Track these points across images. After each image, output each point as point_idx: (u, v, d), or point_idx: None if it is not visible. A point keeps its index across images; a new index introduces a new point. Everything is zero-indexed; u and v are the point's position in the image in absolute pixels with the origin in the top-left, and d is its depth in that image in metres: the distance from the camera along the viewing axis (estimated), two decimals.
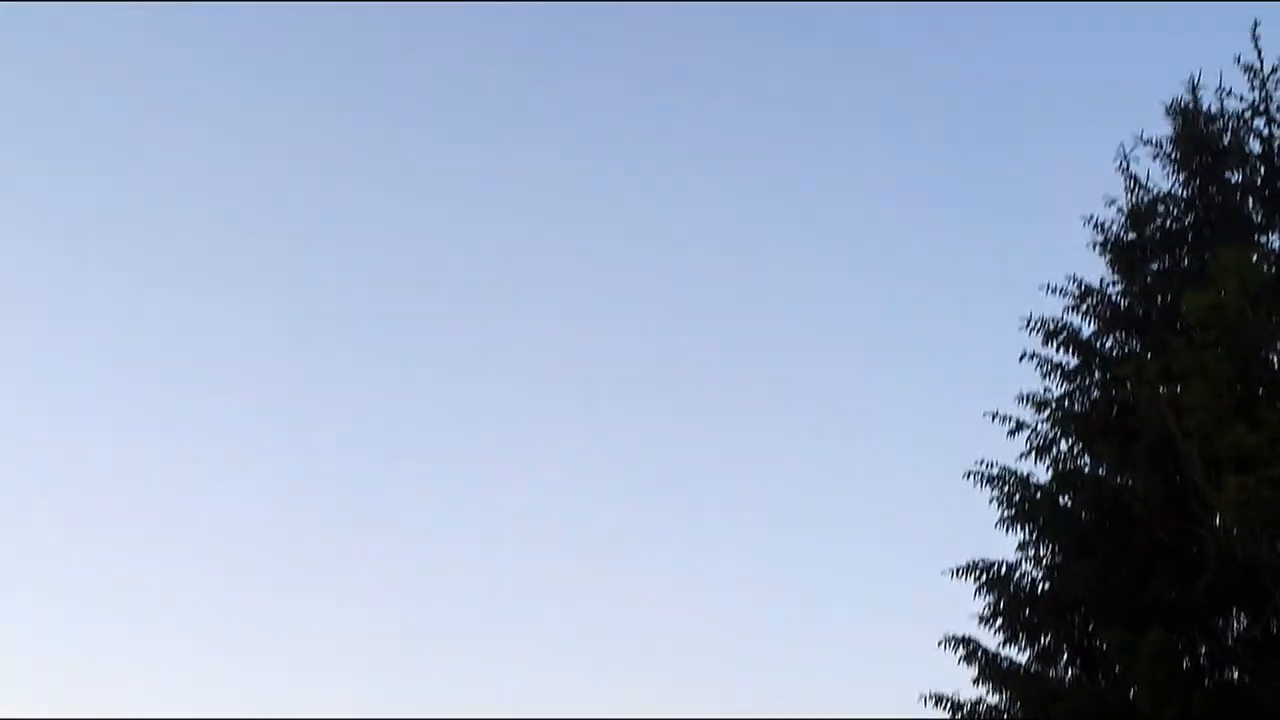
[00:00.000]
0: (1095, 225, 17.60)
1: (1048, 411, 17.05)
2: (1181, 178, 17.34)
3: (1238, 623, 15.35)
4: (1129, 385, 16.22)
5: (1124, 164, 17.63)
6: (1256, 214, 16.94)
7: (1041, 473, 16.96)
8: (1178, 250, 17.18)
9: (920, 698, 16.47)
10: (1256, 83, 17.04)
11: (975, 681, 16.44)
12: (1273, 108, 17.04)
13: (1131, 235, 17.38)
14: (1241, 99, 17.18)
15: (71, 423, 75.15)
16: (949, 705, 16.40)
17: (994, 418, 17.27)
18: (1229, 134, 17.18)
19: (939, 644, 16.67)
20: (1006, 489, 16.83)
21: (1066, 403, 17.08)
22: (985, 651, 16.48)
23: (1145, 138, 17.58)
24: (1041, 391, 17.19)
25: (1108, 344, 17.20)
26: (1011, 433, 17.17)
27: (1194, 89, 17.42)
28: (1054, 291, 17.51)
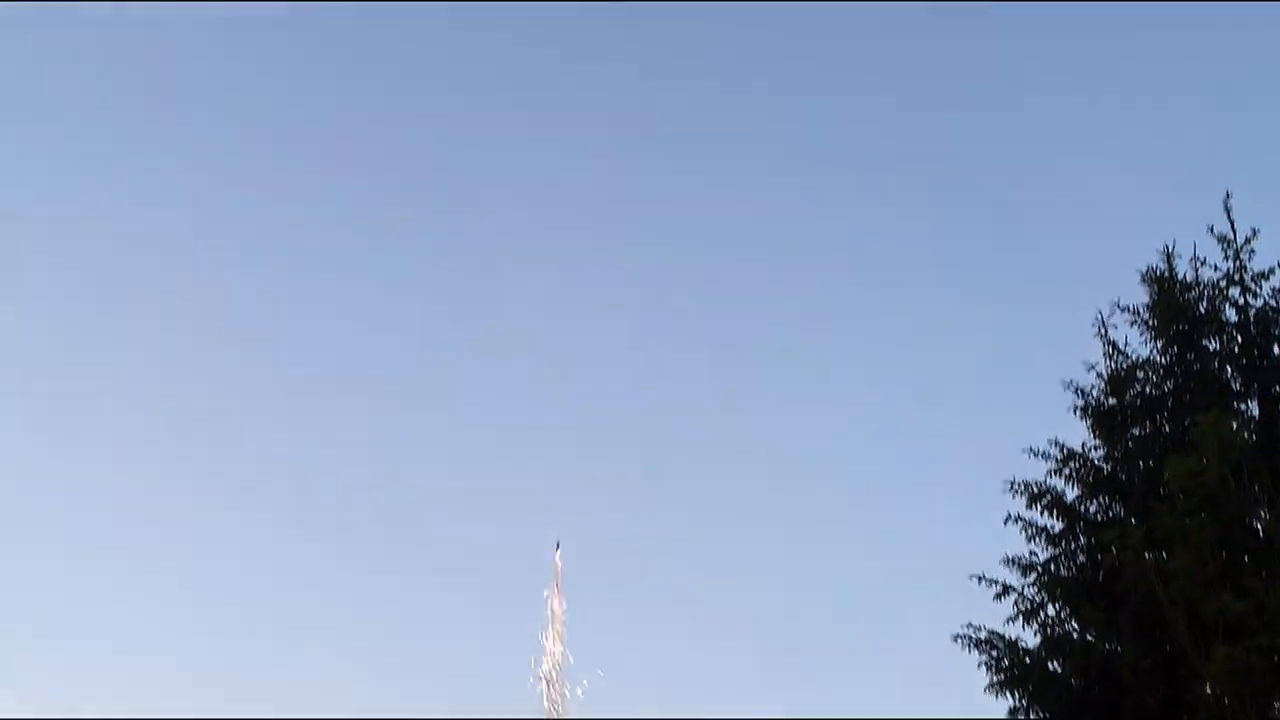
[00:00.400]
0: (1075, 390, 17.90)
1: (1034, 575, 17.19)
2: (1159, 345, 17.67)
3: None
4: (1114, 550, 16.35)
5: (1102, 330, 18.01)
6: (1235, 381, 17.23)
7: (1030, 637, 17.07)
8: (1158, 416, 17.45)
9: None
10: (1230, 253, 17.45)
11: None
12: (1247, 277, 17.41)
13: (1112, 401, 17.67)
14: (1216, 268, 17.58)
15: (72, 425, 75.06)
16: None
17: (980, 580, 17.40)
18: (1205, 302, 17.54)
19: None
20: (995, 654, 16.88)
21: (1053, 566, 17.22)
22: None
23: (1122, 304, 17.96)
24: (1027, 555, 17.37)
25: (1092, 508, 17.38)
26: (999, 596, 17.29)
27: (1169, 258, 17.81)
28: (1037, 455, 17.75)
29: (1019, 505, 17.49)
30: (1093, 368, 17.93)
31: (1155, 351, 17.73)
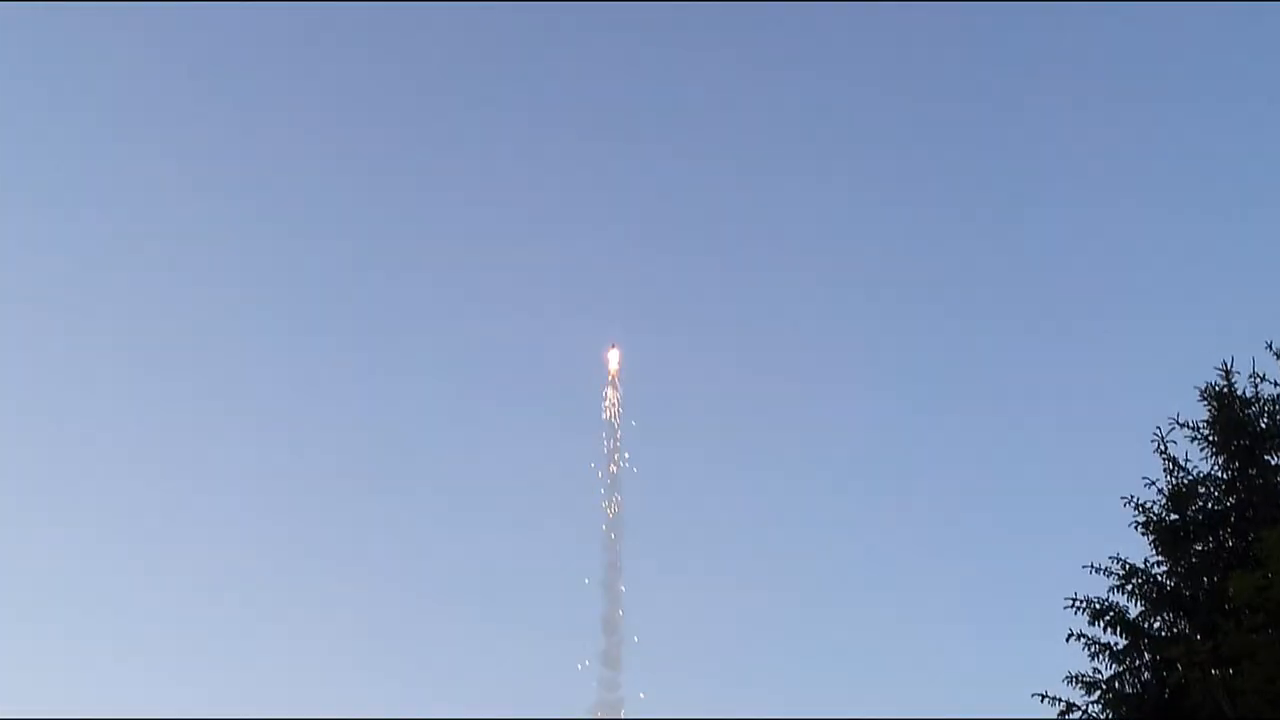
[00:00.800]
0: (1136, 506, 17.81)
1: (1098, 693, 17.03)
2: (1220, 460, 17.62)
3: None
4: (1180, 668, 16.19)
5: (1162, 446, 17.94)
6: None
7: None
8: (1221, 532, 17.35)
9: None
10: None
11: None
12: None
13: (1174, 516, 17.58)
14: (1276, 384, 17.60)
15: (72, 424, 75.19)
16: None
17: (1043, 698, 17.23)
18: (1266, 418, 17.52)
19: None
20: None
21: (1117, 684, 17.05)
22: None
23: (1182, 420, 17.92)
24: (1090, 672, 17.21)
25: (1156, 625, 17.23)
26: (1062, 715, 17.12)
27: (1228, 374, 17.82)
28: (1098, 571, 17.68)
29: (1081, 622, 17.43)
30: (1153, 484, 17.88)
31: (1216, 467, 17.69)
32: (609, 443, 47.38)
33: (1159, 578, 17.43)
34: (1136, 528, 17.81)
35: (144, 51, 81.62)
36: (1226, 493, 17.53)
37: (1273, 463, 17.44)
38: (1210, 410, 17.85)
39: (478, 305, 78.19)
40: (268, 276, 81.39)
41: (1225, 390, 17.83)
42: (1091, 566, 17.74)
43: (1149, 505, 17.77)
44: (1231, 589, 15.72)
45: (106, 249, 79.88)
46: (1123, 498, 17.98)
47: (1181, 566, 17.32)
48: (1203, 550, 17.34)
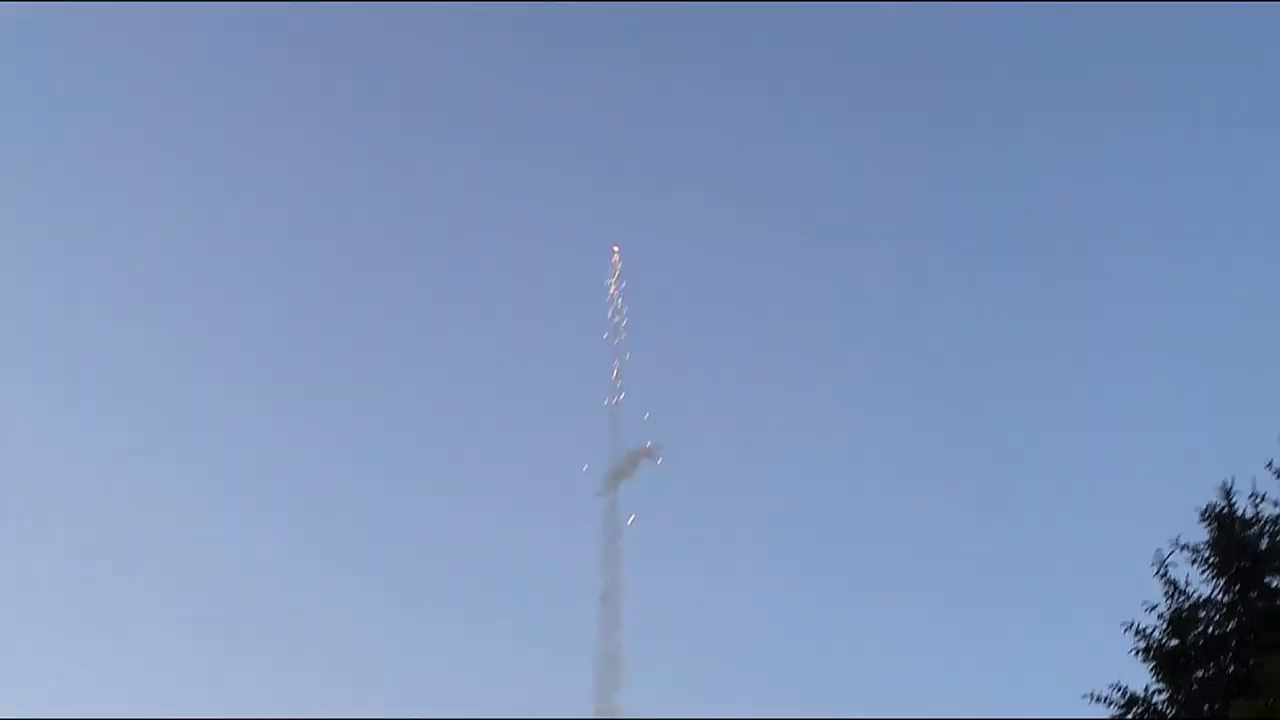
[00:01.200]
0: (1136, 631, 17.24)
1: None
2: (1221, 583, 17.09)
3: None
4: None
5: (1162, 569, 17.43)
6: None
7: None
8: (1222, 657, 16.76)
9: None
10: None
11: None
12: None
13: (1174, 642, 17.00)
14: (1277, 504, 17.12)
15: (71, 425, 74.14)
16: None
17: None
18: (1267, 539, 17.01)
19: None
20: None
21: None
22: None
23: (1182, 543, 17.42)
24: None
25: None
26: None
27: (1228, 494, 17.37)
28: (1098, 700, 17.11)
29: None
30: (1153, 608, 17.32)
31: (1218, 590, 17.14)
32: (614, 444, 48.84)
33: (1160, 706, 16.80)
34: (1137, 654, 17.23)
35: (143, 52, 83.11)
36: (1228, 616, 16.96)
37: (1274, 585, 16.90)
38: (1210, 531, 17.36)
39: (477, 302, 78.00)
40: (265, 270, 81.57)
41: (1225, 511, 17.34)
42: (1091, 696, 17.21)
43: (1149, 631, 17.20)
44: (1233, 716, 15.09)
45: (106, 248, 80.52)
46: (1123, 623, 17.44)
47: (1182, 694, 16.70)
48: (1204, 676, 16.73)
